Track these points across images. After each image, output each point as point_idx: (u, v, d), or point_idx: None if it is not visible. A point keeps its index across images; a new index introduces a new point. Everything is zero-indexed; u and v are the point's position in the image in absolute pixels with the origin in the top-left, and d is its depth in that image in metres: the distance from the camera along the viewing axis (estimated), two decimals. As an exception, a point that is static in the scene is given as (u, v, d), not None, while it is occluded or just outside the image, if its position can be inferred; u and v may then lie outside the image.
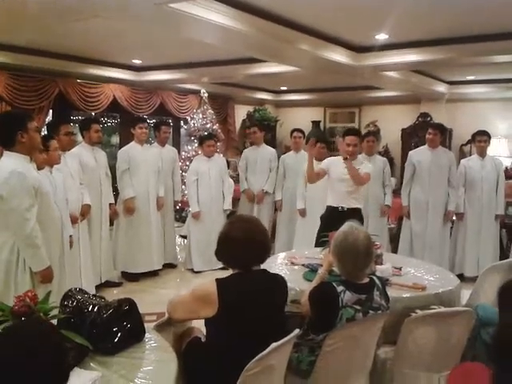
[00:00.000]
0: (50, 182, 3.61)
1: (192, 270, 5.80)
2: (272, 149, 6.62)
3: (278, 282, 2.28)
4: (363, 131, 10.12)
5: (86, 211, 4.58)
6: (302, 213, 5.73)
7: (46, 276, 2.82)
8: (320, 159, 5.09)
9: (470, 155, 5.74)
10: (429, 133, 5.45)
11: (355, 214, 4.24)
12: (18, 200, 2.68)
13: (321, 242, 3.69)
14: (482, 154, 5.53)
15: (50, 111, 7.37)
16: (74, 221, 4.14)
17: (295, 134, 6.30)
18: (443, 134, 5.59)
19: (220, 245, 2.22)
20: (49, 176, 3.71)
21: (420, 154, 5.54)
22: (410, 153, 5.71)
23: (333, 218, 4.25)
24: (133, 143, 5.45)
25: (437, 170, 5.43)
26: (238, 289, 2.10)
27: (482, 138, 5.48)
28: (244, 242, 2.14)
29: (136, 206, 5.29)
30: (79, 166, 4.61)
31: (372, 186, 5.35)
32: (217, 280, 2.09)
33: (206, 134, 6.75)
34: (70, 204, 4.10)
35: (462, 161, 5.72)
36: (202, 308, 2.07)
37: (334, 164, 4.44)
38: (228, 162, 7.12)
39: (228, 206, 5.96)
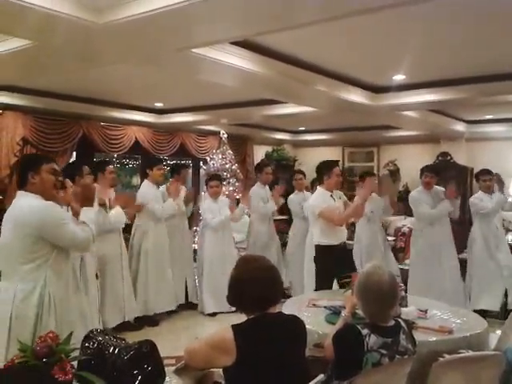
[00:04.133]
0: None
1: (204, 313, 5.72)
2: None
3: (296, 323, 2.21)
4: (382, 170, 10.15)
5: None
6: None
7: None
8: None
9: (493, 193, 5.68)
10: (425, 176, 5.51)
11: (346, 247, 4.51)
12: (63, 227, 2.74)
13: (343, 282, 3.64)
14: (489, 191, 5.51)
15: (74, 153, 7.54)
16: None
17: (296, 175, 6.44)
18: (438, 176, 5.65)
19: (230, 290, 2.15)
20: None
21: (421, 195, 5.54)
22: (413, 194, 5.66)
23: (331, 257, 4.26)
24: (147, 183, 5.46)
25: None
26: (255, 335, 2.03)
27: (486, 178, 5.51)
28: (252, 281, 2.09)
29: (151, 247, 5.33)
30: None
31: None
32: (233, 326, 2.02)
33: (211, 175, 6.76)
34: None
35: (472, 197, 5.68)
36: (219, 357, 2.00)
37: (327, 200, 4.42)
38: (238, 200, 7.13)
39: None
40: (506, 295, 5.37)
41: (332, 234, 4.35)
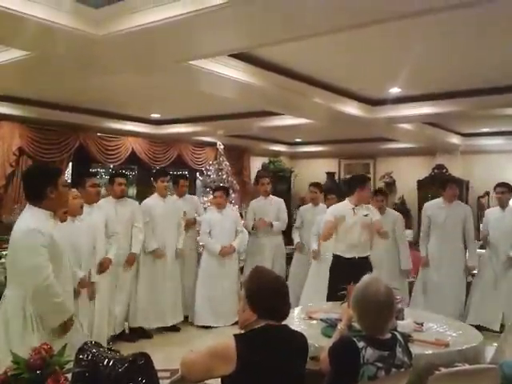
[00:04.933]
0: (71, 233, 3.62)
1: (198, 326, 5.64)
2: (279, 199, 6.55)
3: (299, 338, 2.21)
4: (378, 183, 10.18)
5: (105, 264, 4.37)
6: (316, 255, 5.61)
7: (68, 327, 2.70)
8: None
9: (489, 207, 5.72)
10: (450, 187, 5.52)
11: (366, 262, 4.31)
12: (32, 258, 2.62)
13: (340, 294, 3.62)
14: (503, 205, 5.49)
15: (70, 164, 7.54)
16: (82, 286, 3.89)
17: (311, 188, 6.32)
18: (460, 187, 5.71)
19: (253, 295, 2.14)
20: (71, 226, 3.73)
21: (435, 208, 5.56)
22: (426, 205, 5.74)
23: (345, 268, 4.24)
24: (155, 195, 5.47)
25: (451, 224, 5.45)
26: (257, 345, 2.03)
27: (499, 190, 5.48)
28: (273, 292, 2.11)
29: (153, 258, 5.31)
30: (104, 218, 4.51)
31: (385, 242, 5.31)
32: (235, 336, 2.02)
33: (217, 185, 6.77)
34: (98, 254, 4.16)
35: (487, 211, 5.73)
36: (219, 365, 1.98)
37: (343, 213, 4.40)
38: (241, 214, 7.12)
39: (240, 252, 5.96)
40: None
41: (347, 246, 4.39)
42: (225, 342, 2.01)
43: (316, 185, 6.36)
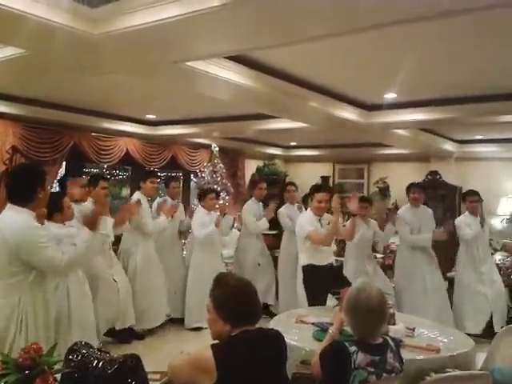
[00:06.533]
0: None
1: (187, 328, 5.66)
2: None
3: (274, 337, 2.19)
4: (372, 188, 10.21)
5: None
6: None
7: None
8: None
9: (481, 214, 5.70)
10: (413, 192, 5.56)
11: (337, 267, 4.49)
12: (43, 251, 2.65)
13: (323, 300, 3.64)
14: (475, 213, 5.52)
15: (64, 163, 7.50)
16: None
17: (289, 187, 6.36)
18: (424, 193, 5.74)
19: (220, 307, 2.10)
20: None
21: (408, 214, 5.57)
22: (401, 213, 5.66)
23: (320, 277, 4.24)
24: (140, 195, 5.43)
25: (423, 230, 5.50)
26: (235, 353, 1.99)
27: (473, 199, 5.53)
28: (241, 297, 2.07)
29: (139, 262, 5.31)
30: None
31: (367, 249, 5.47)
32: (212, 346, 1.98)
33: (208, 188, 6.73)
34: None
35: (457, 220, 5.69)
36: (199, 376, 1.94)
37: (314, 223, 4.38)
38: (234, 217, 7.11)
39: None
40: (491, 317, 5.37)
41: (318, 255, 4.34)
42: (202, 353, 1.97)
43: (293, 183, 6.51)
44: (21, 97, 6.09)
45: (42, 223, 3.37)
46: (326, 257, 4.37)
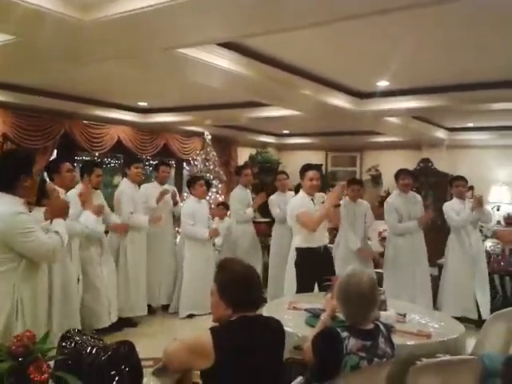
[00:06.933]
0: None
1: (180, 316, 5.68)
2: None
3: (274, 325, 2.21)
4: (364, 175, 10.24)
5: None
6: None
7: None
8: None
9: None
10: (402, 178, 5.57)
11: (329, 251, 4.50)
12: (29, 238, 2.60)
13: (323, 285, 3.65)
14: (462, 197, 5.61)
15: (55, 151, 7.44)
16: None
17: (279, 176, 6.41)
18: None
19: (219, 292, 2.13)
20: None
21: (398, 201, 5.57)
22: (390, 200, 5.63)
23: (312, 260, 4.28)
24: (125, 181, 5.46)
25: (413, 215, 5.51)
26: (233, 337, 2.02)
27: (459, 183, 5.62)
28: (233, 283, 2.09)
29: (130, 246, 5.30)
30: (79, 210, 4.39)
31: (357, 229, 5.44)
32: (211, 329, 2.00)
33: (196, 176, 6.74)
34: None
35: (445, 205, 5.73)
36: (196, 360, 1.97)
37: (306, 203, 4.41)
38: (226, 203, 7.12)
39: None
40: (478, 307, 5.43)
41: (312, 237, 4.35)
42: (200, 337, 1.99)
43: (284, 172, 6.59)
44: (11, 84, 6.01)
45: (30, 210, 3.39)
46: (318, 239, 4.39)
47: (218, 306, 2.10)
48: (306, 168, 4.56)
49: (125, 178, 5.54)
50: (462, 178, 5.69)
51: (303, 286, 4.20)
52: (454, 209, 5.56)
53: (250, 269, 2.17)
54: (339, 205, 4.54)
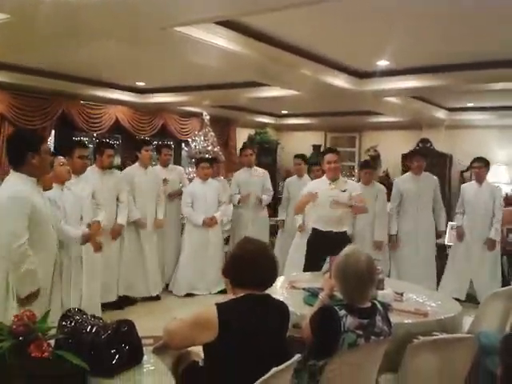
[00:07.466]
0: (58, 200, 3.58)
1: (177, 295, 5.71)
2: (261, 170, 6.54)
3: (281, 307, 2.25)
4: (364, 156, 10.21)
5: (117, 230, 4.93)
6: (301, 228, 5.52)
7: (31, 300, 2.67)
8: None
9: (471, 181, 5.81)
10: (417, 160, 5.59)
11: (344, 237, 4.28)
12: (11, 224, 2.61)
13: (320, 265, 3.67)
14: (480, 180, 5.55)
15: (53, 131, 7.41)
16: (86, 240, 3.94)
17: (296, 160, 6.37)
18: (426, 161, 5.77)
19: (230, 266, 2.20)
20: (59, 194, 3.66)
21: (406, 182, 5.62)
22: (397, 181, 5.75)
23: (321, 242, 4.28)
24: (137, 165, 5.45)
25: (423, 197, 5.56)
26: (238, 312, 2.06)
27: (476, 165, 5.56)
28: (253, 262, 2.14)
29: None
30: (91, 189, 4.40)
31: (367, 215, 5.21)
32: (217, 304, 2.04)
33: (202, 156, 6.75)
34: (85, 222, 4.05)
35: (463, 185, 5.78)
36: (200, 334, 2.01)
37: (317, 189, 4.38)
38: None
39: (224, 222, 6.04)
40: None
41: (320, 219, 4.38)
42: (206, 310, 2.04)
43: (300, 156, 6.42)
44: (8, 64, 5.95)
45: (50, 188, 3.45)
46: (330, 224, 4.33)
47: (226, 284, 2.22)
48: (325, 152, 4.64)
49: (136, 163, 5.46)
50: (478, 160, 5.56)
51: (309, 265, 4.23)
52: (469, 191, 5.55)
53: (262, 248, 2.22)
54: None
